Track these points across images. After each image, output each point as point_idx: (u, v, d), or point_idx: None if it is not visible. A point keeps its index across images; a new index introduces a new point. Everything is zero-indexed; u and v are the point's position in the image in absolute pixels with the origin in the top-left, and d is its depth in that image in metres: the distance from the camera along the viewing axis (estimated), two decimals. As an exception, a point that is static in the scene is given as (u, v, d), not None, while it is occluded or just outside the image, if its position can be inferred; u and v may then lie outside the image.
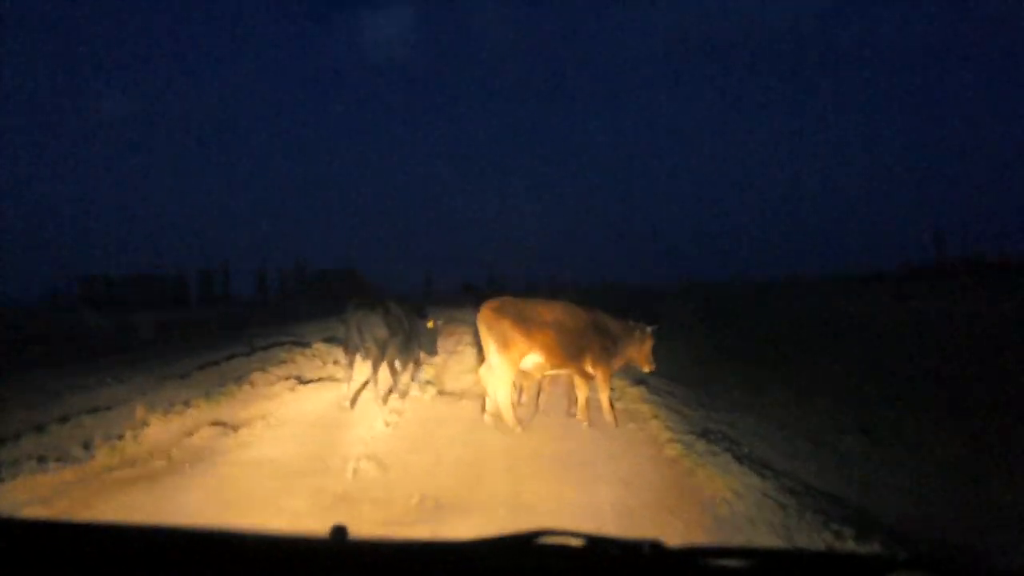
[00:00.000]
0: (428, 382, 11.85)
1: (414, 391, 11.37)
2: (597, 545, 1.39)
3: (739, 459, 7.73)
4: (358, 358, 10.62)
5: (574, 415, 9.49)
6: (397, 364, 11.41)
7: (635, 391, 11.53)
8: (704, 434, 8.71)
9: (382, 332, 10.49)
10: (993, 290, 34.19)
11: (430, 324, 11.98)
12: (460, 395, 11.44)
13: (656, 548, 1.36)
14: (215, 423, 9.11)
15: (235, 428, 8.92)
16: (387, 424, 8.95)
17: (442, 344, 18.86)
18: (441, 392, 11.59)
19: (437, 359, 15.22)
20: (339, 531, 1.63)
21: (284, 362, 14.74)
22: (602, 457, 7.62)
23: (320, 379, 12.78)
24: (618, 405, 10.47)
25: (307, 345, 18.17)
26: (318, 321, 33.70)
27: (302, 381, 12.46)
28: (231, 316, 45.62)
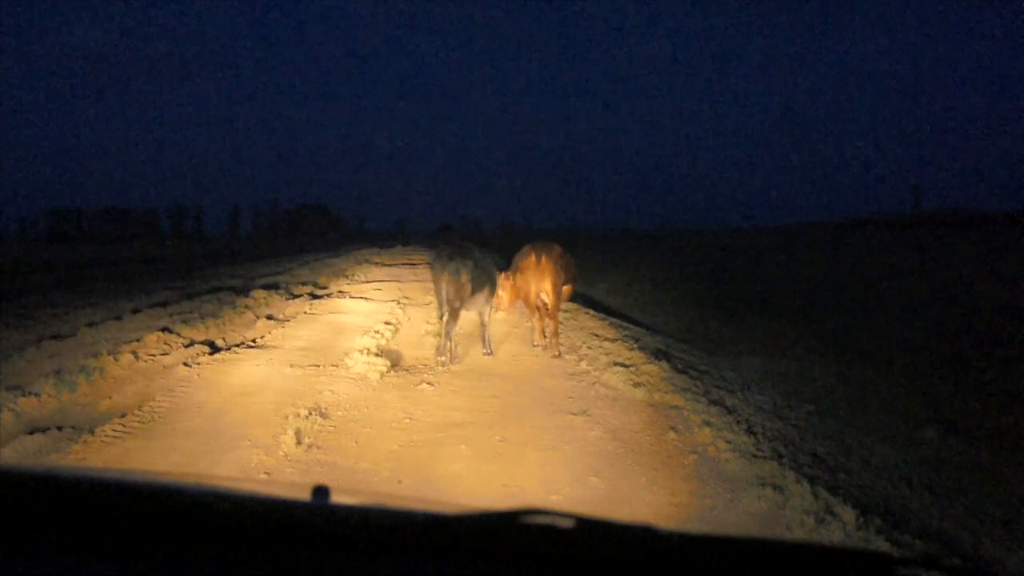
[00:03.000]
0: (376, 353, 8.52)
1: (360, 365, 8.06)
2: (587, 527, 1.19)
3: (866, 513, 4.57)
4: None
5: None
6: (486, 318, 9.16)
7: (654, 368, 8.26)
8: (787, 460, 5.52)
9: (480, 286, 8.47)
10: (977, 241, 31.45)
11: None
12: (421, 370, 8.17)
13: (649, 532, 1.19)
14: (40, 429, 5.87)
15: (66, 439, 5.64)
16: (299, 440, 5.55)
17: (407, 291, 15.65)
18: (395, 365, 8.29)
19: (398, 314, 11.93)
20: (320, 492, 1.47)
21: (204, 318, 11.31)
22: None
23: (240, 344, 9.38)
24: (639, 393, 7.25)
25: (245, 293, 14.72)
26: (280, 260, 30.49)
27: (213, 348, 9.09)
28: (188, 254, 42.15)
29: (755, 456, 5.45)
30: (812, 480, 5.03)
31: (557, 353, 9.03)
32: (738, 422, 6.50)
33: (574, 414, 6.45)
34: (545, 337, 9.35)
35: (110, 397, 6.92)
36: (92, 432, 5.70)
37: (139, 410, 6.36)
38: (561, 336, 9.54)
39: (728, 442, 5.75)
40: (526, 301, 9.14)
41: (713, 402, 7.16)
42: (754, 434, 6.16)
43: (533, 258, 8.87)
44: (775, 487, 4.77)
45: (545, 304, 9.12)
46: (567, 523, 1.19)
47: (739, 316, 15.89)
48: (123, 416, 6.16)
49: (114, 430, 5.79)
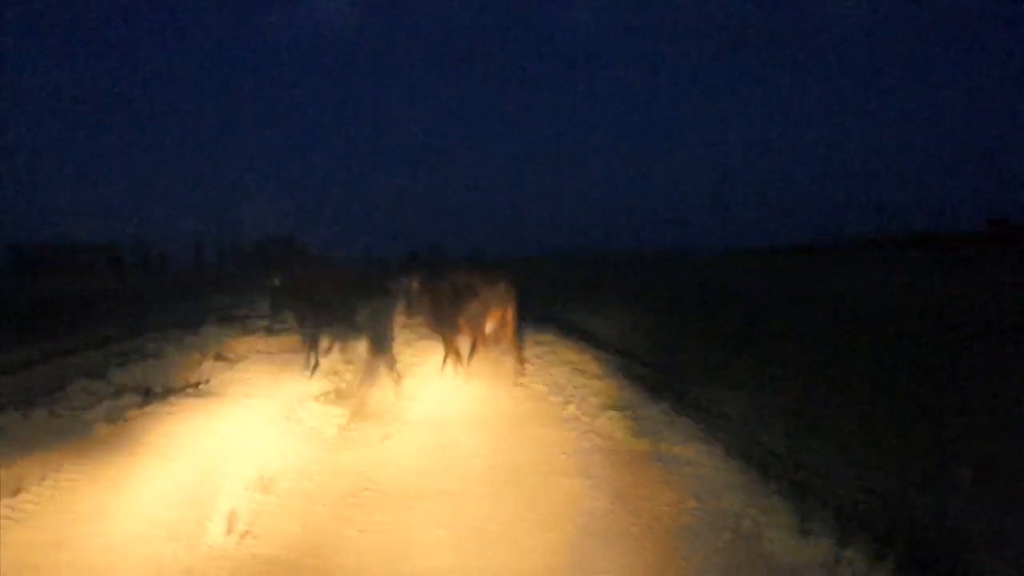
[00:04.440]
0: (334, 400, 7.31)
1: (314, 416, 6.82)
2: None
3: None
4: None
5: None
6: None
7: (654, 412, 7.13)
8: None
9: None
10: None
11: None
12: (387, 419, 6.94)
13: None
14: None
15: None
16: (231, 526, 4.22)
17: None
18: (356, 414, 7.06)
19: (361, 349, 10.67)
20: None
21: (145, 359, 9.97)
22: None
23: (180, 390, 8.07)
24: (643, 444, 6.09)
25: (196, 329, 13.34)
26: (240, 293, 29.05)
27: (147, 396, 7.77)
28: (147, 287, 40.39)
29: (804, 532, 4.31)
30: (882, 559, 3.94)
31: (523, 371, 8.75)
32: (766, 480, 5.38)
33: (571, 476, 5.28)
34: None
35: (8, 467, 5.62)
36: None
37: (39, 484, 5.10)
38: (543, 374, 8.54)
39: (765, 512, 4.61)
40: (478, 328, 8.51)
41: (730, 454, 6.01)
42: (786, 497, 5.04)
43: (502, 285, 8.39)
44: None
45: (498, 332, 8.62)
46: None
47: (719, 343, 14.85)
48: (16, 494, 4.89)
49: (-2, 514, 4.53)
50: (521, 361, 8.81)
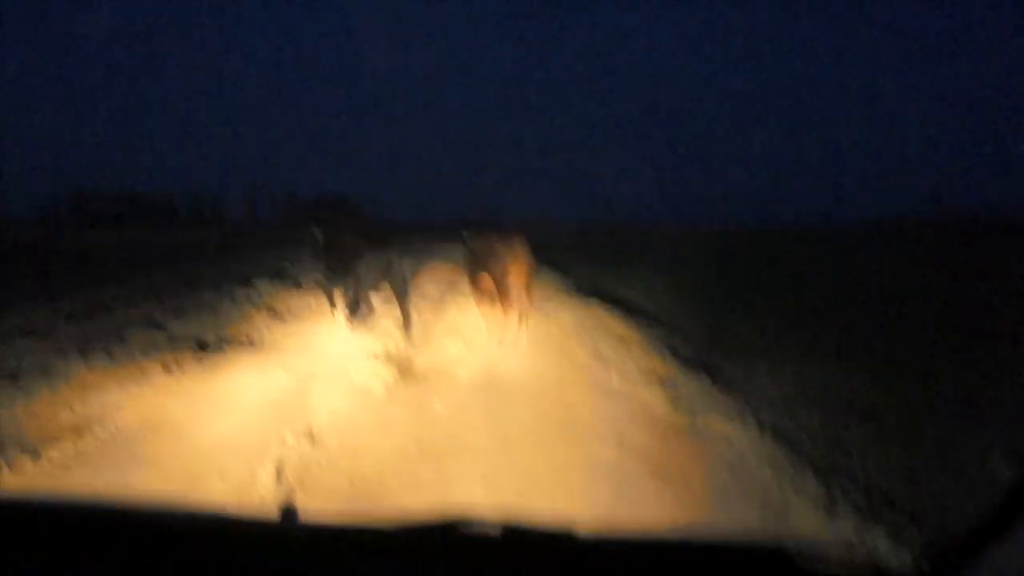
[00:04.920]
0: (385, 358, 7.47)
1: (363, 374, 6.99)
2: (513, 535, 1.26)
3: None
4: None
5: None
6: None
7: (695, 385, 7.16)
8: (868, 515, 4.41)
9: None
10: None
11: None
12: (434, 379, 7.08)
13: (570, 538, 1.26)
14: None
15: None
16: (280, 477, 4.45)
17: (419, 282, 14.51)
18: (403, 373, 7.21)
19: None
20: (289, 514, 1.42)
21: (200, 309, 10.23)
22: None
23: (233, 342, 8.31)
24: (682, 418, 6.16)
25: (248, 282, 13.61)
26: (294, 248, 29.44)
27: (201, 346, 8.02)
28: (205, 240, 41.14)
29: (831, 514, 4.38)
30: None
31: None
32: (799, 455, 5.42)
33: (607, 444, 5.37)
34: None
35: (72, 408, 5.88)
36: (37, 455, 4.68)
37: (100, 426, 5.34)
38: (588, 342, 8.68)
39: (797, 492, 4.68)
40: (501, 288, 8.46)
41: (764, 428, 6.05)
42: (820, 471, 5.08)
43: (516, 245, 8.41)
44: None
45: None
46: (495, 531, 1.25)
47: (761, 317, 14.74)
48: (79, 435, 5.13)
49: (63, 453, 4.77)
50: (524, 317, 8.72)
